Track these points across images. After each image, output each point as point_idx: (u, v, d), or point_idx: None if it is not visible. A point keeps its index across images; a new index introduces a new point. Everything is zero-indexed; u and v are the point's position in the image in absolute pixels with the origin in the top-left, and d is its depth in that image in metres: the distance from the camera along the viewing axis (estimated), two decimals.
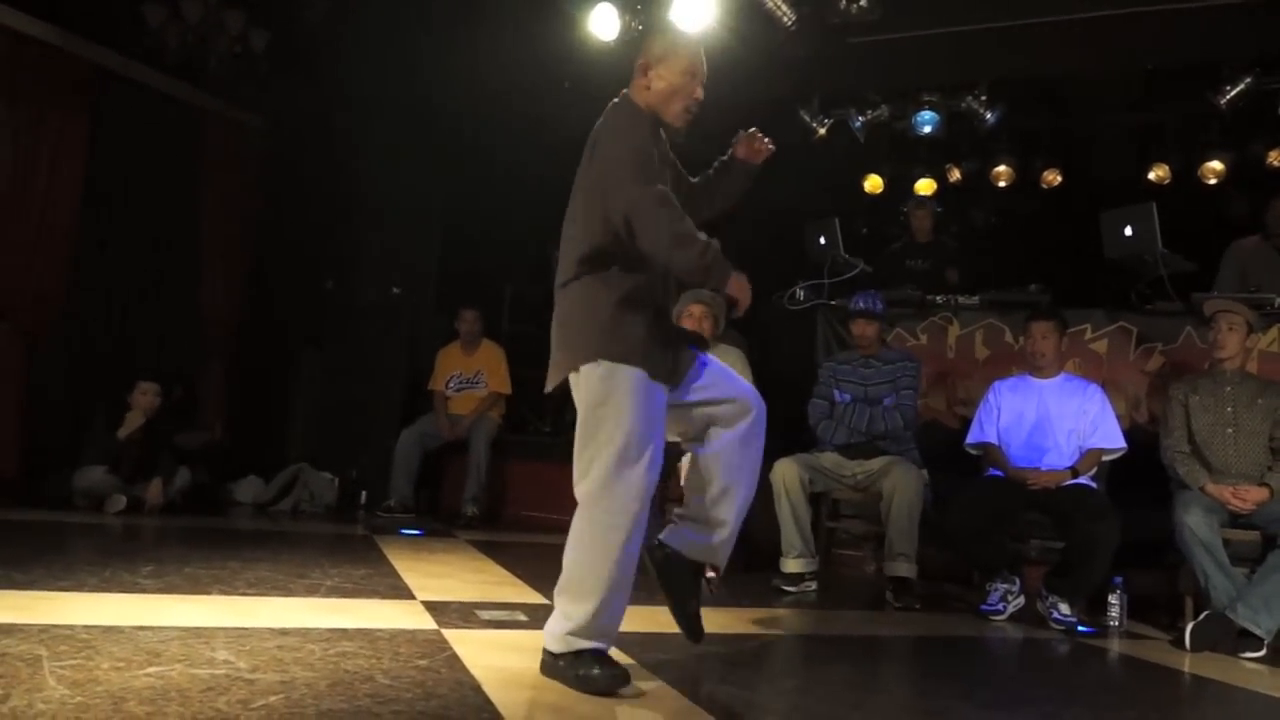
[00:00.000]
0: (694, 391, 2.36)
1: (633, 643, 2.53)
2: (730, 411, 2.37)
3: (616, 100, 2.37)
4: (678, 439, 2.44)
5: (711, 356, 2.47)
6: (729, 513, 2.40)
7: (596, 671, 2.16)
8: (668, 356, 2.31)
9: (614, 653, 2.27)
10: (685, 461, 4.34)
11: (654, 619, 2.98)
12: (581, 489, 2.22)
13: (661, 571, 2.38)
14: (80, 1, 5.25)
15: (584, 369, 2.24)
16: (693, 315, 4.60)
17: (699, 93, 2.36)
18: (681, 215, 2.19)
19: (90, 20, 5.30)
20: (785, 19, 5.05)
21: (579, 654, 2.18)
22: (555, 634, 2.22)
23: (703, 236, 2.20)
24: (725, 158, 2.54)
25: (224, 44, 5.54)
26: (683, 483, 2.50)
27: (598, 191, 2.26)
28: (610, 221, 2.24)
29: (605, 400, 2.20)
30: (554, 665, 2.21)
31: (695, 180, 2.56)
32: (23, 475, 4.93)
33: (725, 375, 2.44)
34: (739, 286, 2.23)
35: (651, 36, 2.42)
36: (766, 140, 2.48)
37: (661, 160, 2.34)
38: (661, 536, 2.43)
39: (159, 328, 5.78)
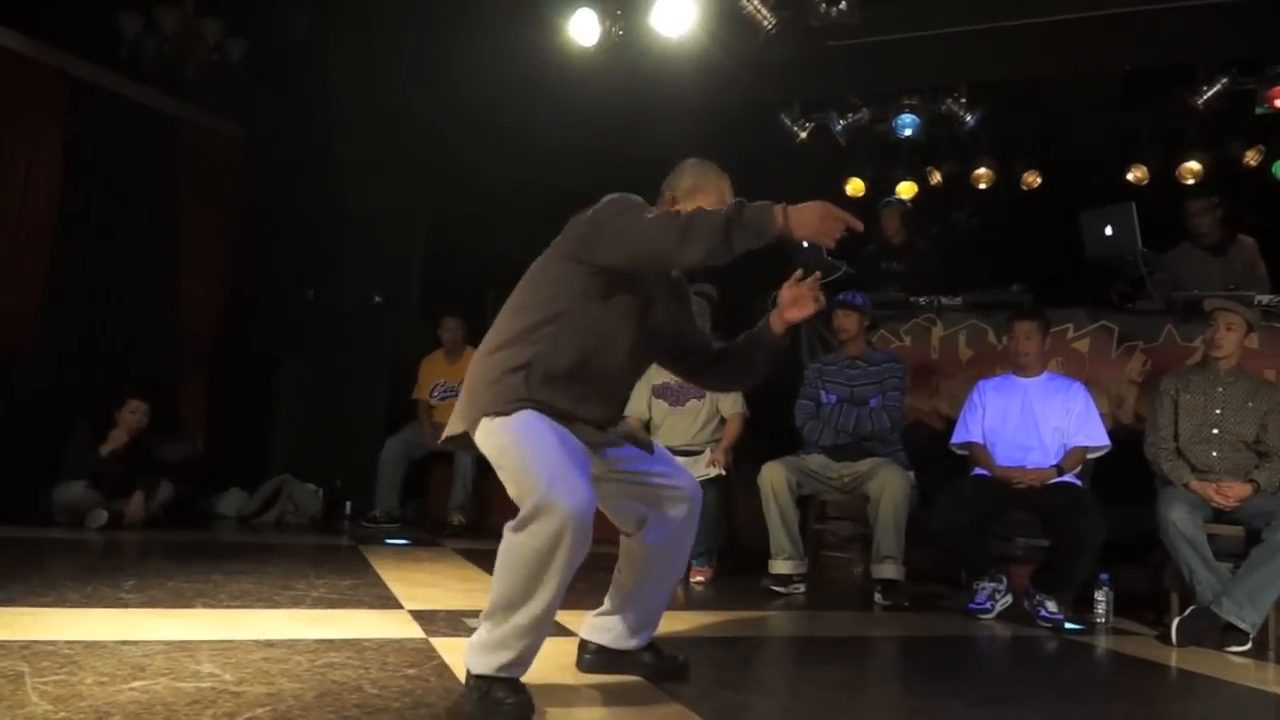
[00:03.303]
0: (623, 461, 2.30)
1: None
2: (667, 495, 2.31)
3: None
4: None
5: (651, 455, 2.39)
6: (660, 601, 2.41)
7: (508, 700, 2.03)
8: (583, 418, 2.21)
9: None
10: None
11: None
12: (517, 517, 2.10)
13: (599, 670, 2.38)
14: (55, 12, 5.20)
15: (479, 431, 2.16)
16: None
17: None
18: (680, 214, 2.09)
19: (65, 31, 5.25)
20: (765, 23, 5.07)
21: (494, 680, 2.06)
22: (474, 647, 2.11)
23: (717, 212, 2.04)
24: (758, 328, 2.39)
25: (201, 53, 5.50)
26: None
27: (563, 251, 2.19)
28: (557, 290, 2.17)
29: (497, 448, 2.13)
30: (474, 692, 2.09)
31: (718, 345, 2.50)
32: (1, 491, 4.86)
33: (663, 456, 2.39)
34: (799, 220, 1.98)
35: (679, 169, 2.34)
36: (807, 287, 2.30)
37: (669, 291, 2.29)
38: (583, 634, 2.42)
39: (138, 340, 5.72)
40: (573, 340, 2.17)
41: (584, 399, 2.20)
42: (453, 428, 2.25)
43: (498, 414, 2.13)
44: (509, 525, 2.05)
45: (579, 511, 1.96)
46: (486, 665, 2.07)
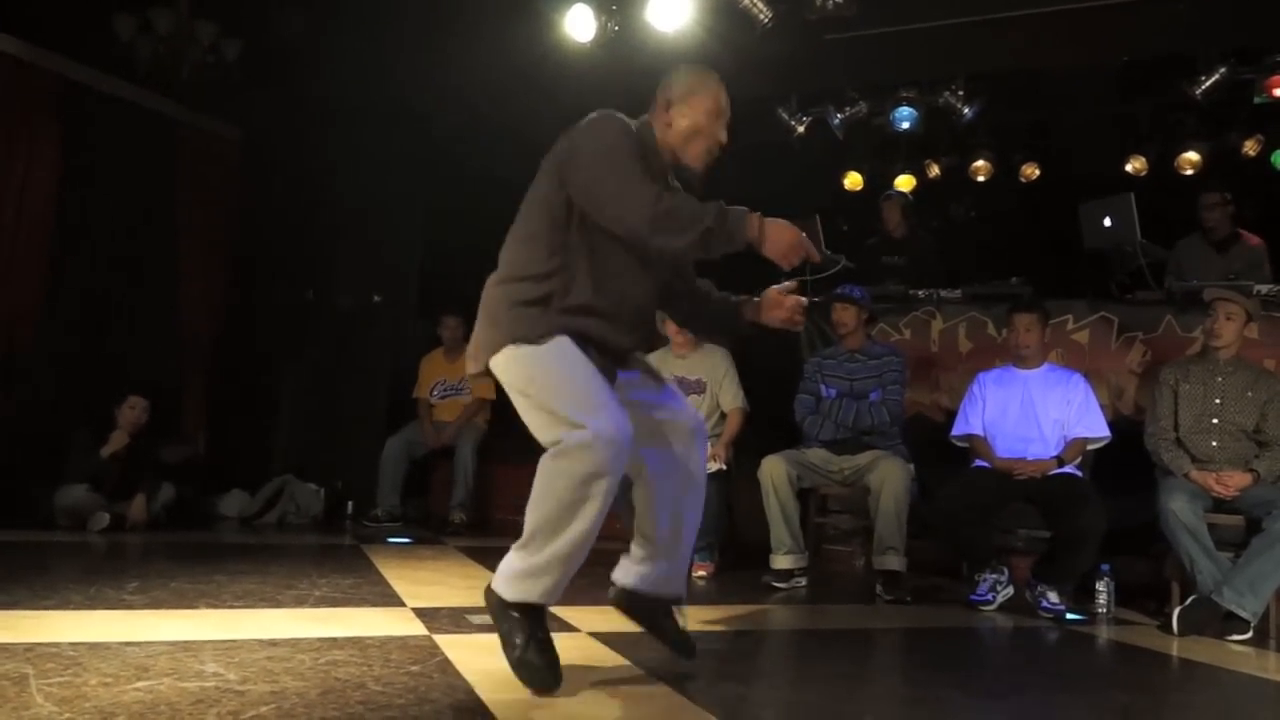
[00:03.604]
0: (633, 389, 2.29)
1: (626, 641, 2.53)
2: (670, 428, 2.30)
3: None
4: None
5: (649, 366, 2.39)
6: (686, 543, 2.37)
7: (535, 661, 2.09)
8: (612, 345, 2.23)
9: (594, 650, 2.23)
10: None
11: None
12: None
13: (624, 609, 2.38)
14: (49, 15, 5.19)
15: (501, 357, 2.16)
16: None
17: (723, 135, 2.26)
18: (660, 195, 2.05)
19: (60, 34, 5.24)
20: (762, 17, 5.07)
21: (523, 613, 2.11)
22: (506, 576, 2.15)
23: (696, 209, 2.04)
24: (735, 302, 2.43)
25: (196, 54, 5.48)
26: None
27: (551, 178, 2.19)
28: (554, 216, 2.17)
29: (522, 376, 2.12)
30: (499, 612, 2.15)
31: (700, 281, 2.49)
32: (2, 494, 4.86)
33: (671, 392, 2.38)
34: (773, 239, 2.05)
35: (674, 72, 2.28)
36: (794, 301, 2.30)
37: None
38: (614, 575, 2.41)
39: (138, 342, 5.72)
40: (585, 270, 2.16)
41: (608, 327, 2.20)
42: (476, 361, 2.23)
43: (526, 341, 2.11)
44: (548, 454, 2.05)
45: (624, 440, 2.01)
46: (521, 592, 2.11)
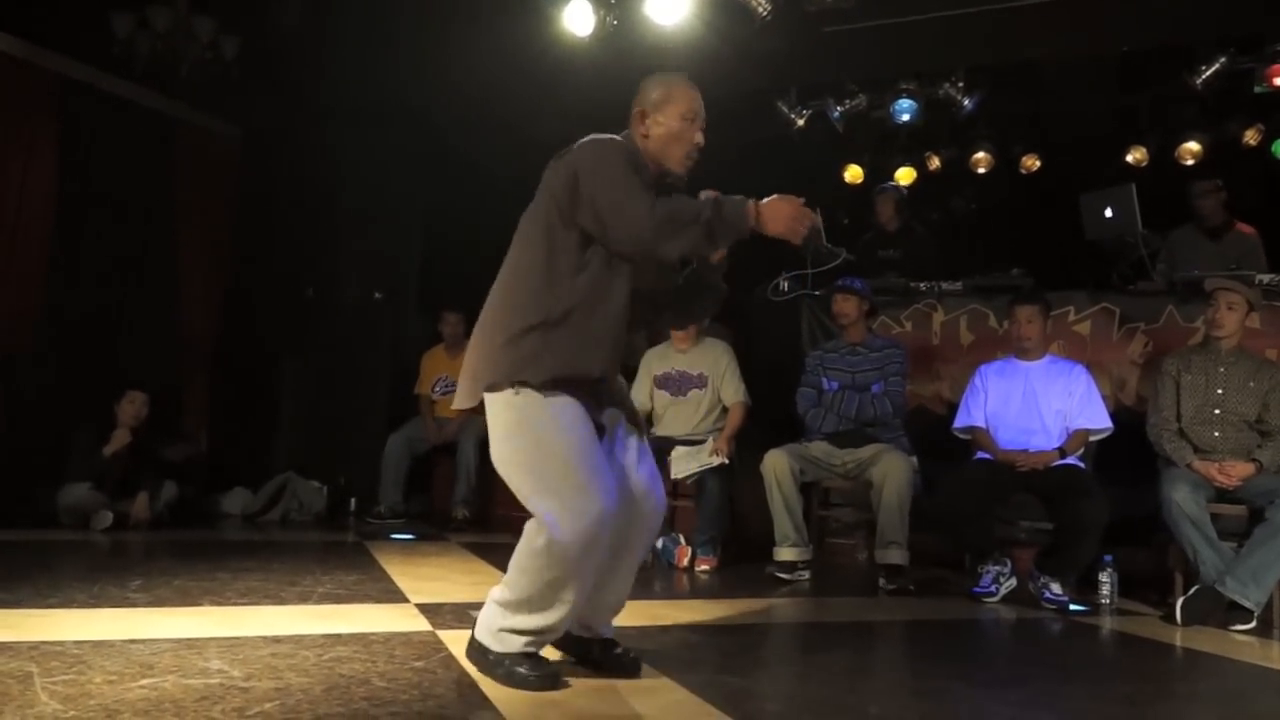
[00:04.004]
0: (611, 440, 2.24)
1: (630, 635, 2.53)
2: (636, 493, 2.24)
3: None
4: None
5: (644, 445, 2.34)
6: (616, 596, 2.31)
7: (532, 675, 2.09)
8: (597, 396, 2.21)
9: None
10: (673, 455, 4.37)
11: (650, 612, 2.98)
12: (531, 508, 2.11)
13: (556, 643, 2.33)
14: (46, 13, 5.18)
15: (499, 398, 2.13)
16: None
17: (699, 137, 2.27)
18: (656, 202, 2.05)
19: (57, 31, 5.23)
20: (760, 10, 5.05)
21: (511, 653, 2.13)
22: (492, 631, 2.15)
23: (693, 206, 2.04)
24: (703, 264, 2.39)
25: (194, 52, 5.47)
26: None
27: (547, 205, 2.17)
28: (553, 238, 2.15)
29: (519, 425, 2.10)
30: (485, 663, 2.16)
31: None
32: (5, 494, 4.86)
33: (646, 457, 2.31)
34: (772, 214, 2.04)
35: (645, 82, 2.29)
36: (798, 202, 2.16)
37: None
38: None
39: (139, 340, 5.72)
40: (574, 297, 2.13)
41: (589, 349, 2.16)
42: (467, 397, 2.19)
43: (526, 386, 2.09)
44: (539, 530, 2.04)
45: (613, 512, 2.02)
46: (509, 646, 2.13)
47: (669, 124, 2.24)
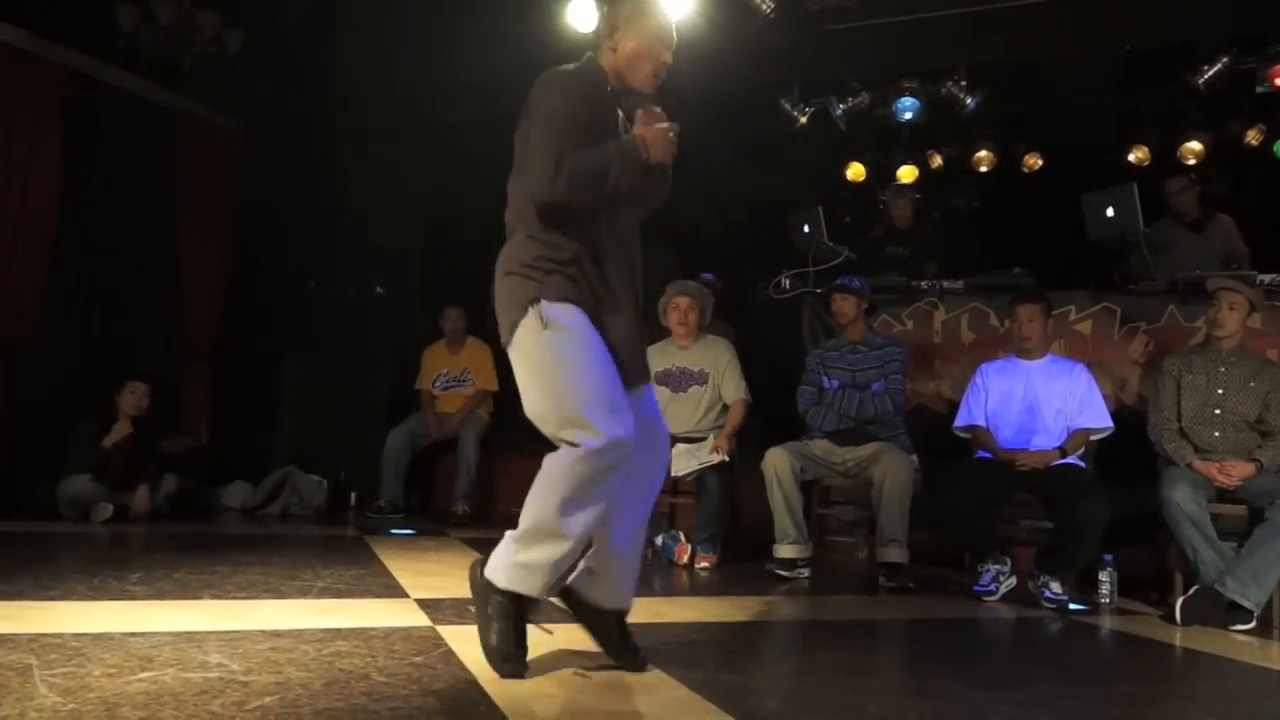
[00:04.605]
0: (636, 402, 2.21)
1: (630, 631, 2.52)
2: (648, 425, 2.23)
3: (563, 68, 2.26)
4: None
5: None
6: (633, 557, 2.30)
7: (511, 650, 2.13)
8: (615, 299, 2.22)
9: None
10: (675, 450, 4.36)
11: (651, 609, 2.98)
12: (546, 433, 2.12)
13: (575, 612, 2.31)
14: (51, 5, 5.18)
15: (525, 321, 2.13)
16: (678, 308, 4.61)
17: (667, 56, 2.28)
18: (559, 165, 2.08)
19: (62, 24, 5.23)
20: (764, 7, 5.05)
21: (509, 599, 2.14)
22: (499, 564, 2.16)
23: (597, 160, 2.10)
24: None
25: (199, 45, 5.48)
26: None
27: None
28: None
29: (546, 363, 2.10)
30: (485, 594, 2.17)
31: None
32: (5, 486, 4.87)
33: (650, 401, 2.32)
34: (648, 142, 2.15)
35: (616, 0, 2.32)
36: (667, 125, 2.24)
37: (601, 131, 2.21)
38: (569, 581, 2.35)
39: (140, 332, 5.72)
40: (568, 229, 2.17)
41: (607, 279, 2.19)
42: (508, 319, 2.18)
43: (547, 300, 2.10)
44: (558, 454, 2.06)
45: (631, 441, 2.04)
46: (513, 583, 2.13)
47: (637, 41, 2.26)
